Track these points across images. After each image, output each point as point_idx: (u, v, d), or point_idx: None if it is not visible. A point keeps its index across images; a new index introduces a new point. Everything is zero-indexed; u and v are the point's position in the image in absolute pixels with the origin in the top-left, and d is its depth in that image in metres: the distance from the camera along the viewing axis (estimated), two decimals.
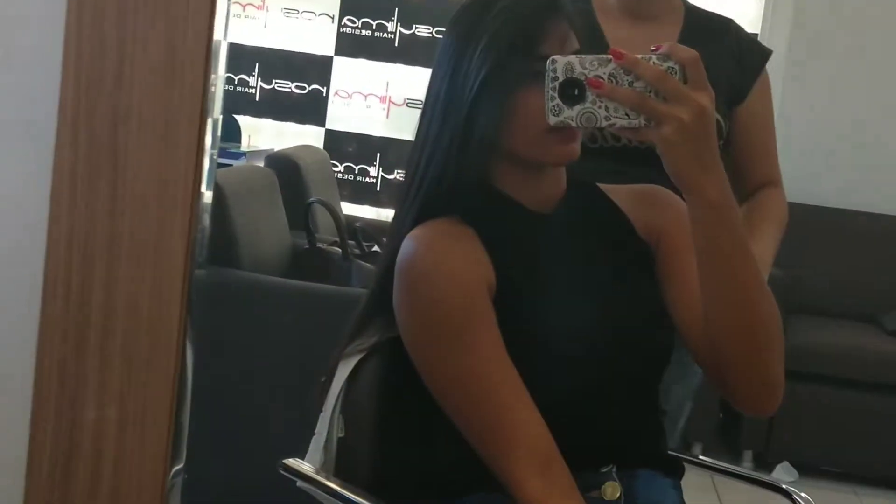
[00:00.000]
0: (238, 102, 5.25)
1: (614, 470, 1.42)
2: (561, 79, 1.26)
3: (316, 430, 1.54)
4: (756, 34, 4.79)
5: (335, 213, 3.81)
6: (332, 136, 5.25)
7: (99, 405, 0.75)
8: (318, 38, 5.18)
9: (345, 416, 1.51)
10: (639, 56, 1.24)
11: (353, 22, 5.18)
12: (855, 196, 4.62)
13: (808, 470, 4.07)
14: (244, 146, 5.11)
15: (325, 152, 5.04)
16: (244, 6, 5.27)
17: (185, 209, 0.73)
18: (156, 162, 0.74)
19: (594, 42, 1.71)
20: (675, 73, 1.23)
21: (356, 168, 5.24)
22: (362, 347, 1.51)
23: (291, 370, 2.60)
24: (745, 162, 2.11)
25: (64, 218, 0.74)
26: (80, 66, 0.71)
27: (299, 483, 1.50)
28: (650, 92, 1.23)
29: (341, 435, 1.51)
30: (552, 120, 1.27)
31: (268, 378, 2.98)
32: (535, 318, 1.40)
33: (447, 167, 1.41)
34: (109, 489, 0.76)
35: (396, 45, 5.18)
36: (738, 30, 2.11)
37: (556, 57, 1.26)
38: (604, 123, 1.26)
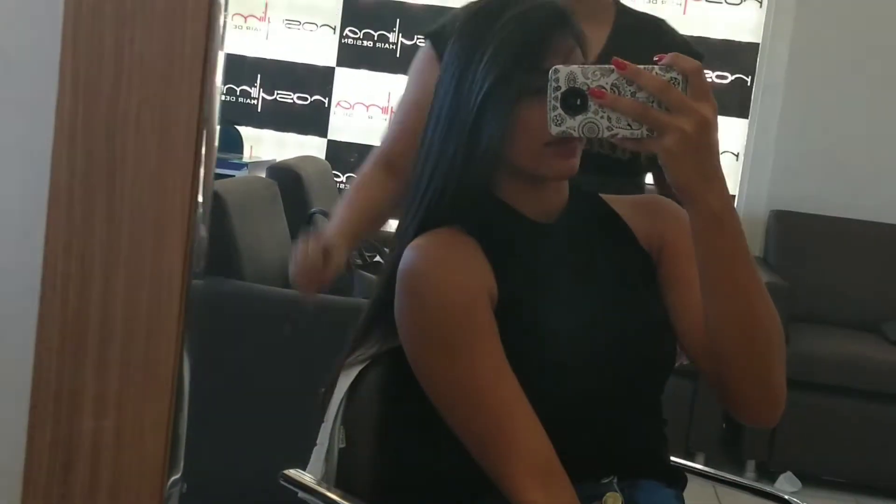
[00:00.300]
0: (240, 113, 5.26)
1: (615, 481, 1.42)
2: (563, 88, 1.26)
3: (317, 441, 1.53)
4: (757, 43, 4.80)
5: None
6: (334, 146, 5.25)
7: (97, 415, 0.75)
8: (319, 48, 5.18)
9: (346, 427, 1.50)
10: (641, 66, 1.24)
11: (355, 33, 5.19)
12: (857, 205, 4.62)
13: (811, 480, 4.06)
14: (246, 157, 5.12)
15: (327, 163, 5.04)
16: (246, 17, 5.28)
17: (183, 218, 0.73)
18: (153, 171, 0.74)
19: None
20: (678, 83, 1.23)
21: None
22: (363, 357, 1.51)
23: (293, 380, 2.59)
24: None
25: (61, 227, 0.74)
26: (77, 76, 0.71)
27: (300, 494, 1.50)
28: (653, 102, 1.23)
29: (343, 445, 1.50)
30: (554, 130, 1.27)
31: (269, 388, 2.97)
32: (537, 329, 1.40)
33: (451, 178, 1.42)
34: (107, 499, 0.76)
35: (398, 55, 5.18)
36: (672, 30, 2.11)
37: (558, 66, 1.26)
38: (606, 134, 1.26)
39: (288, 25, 5.24)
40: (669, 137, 1.22)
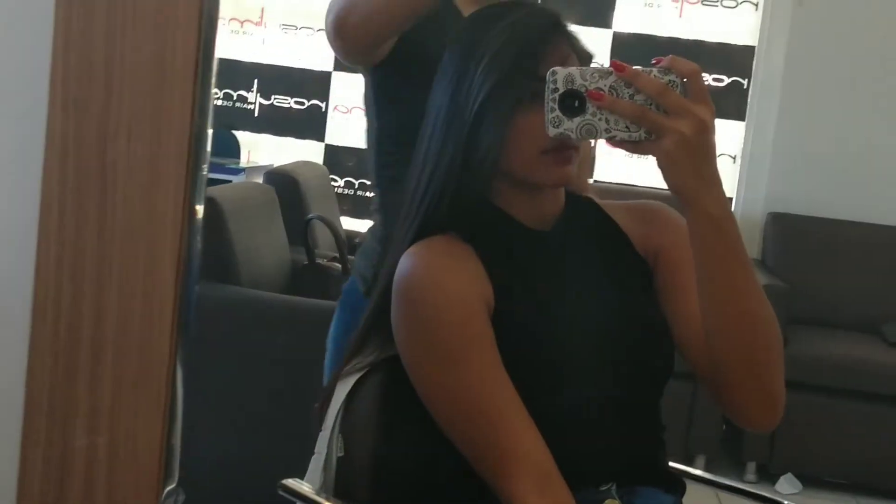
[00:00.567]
0: (237, 118, 5.25)
1: (614, 488, 1.41)
2: (561, 90, 1.25)
3: (315, 450, 1.53)
4: (753, 46, 4.80)
5: (335, 229, 3.81)
6: (331, 150, 5.25)
7: (90, 430, 0.74)
8: (316, 53, 5.18)
9: (344, 436, 1.50)
10: (640, 69, 1.23)
11: None
12: (854, 207, 4.62)
13: (812, 481, 4.06)
14: (243, 162, 5.11)
15: (325, 168, 5.04)
16: (242, 22, 5.27)
17: (175, 231, 0.73)
18: (145, 184, 0.74)
19: (450, 16, 1.75)
20: (676, 86, 1.23)
21: (356, 183, 5.24)
22: (361, 366, 1.50)
23: (291, 387, 2.59)
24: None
25: (53, 240, 0.73)
26: (68, 89, 0.71)
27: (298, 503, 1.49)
28: (651, 105, 1.23)
29: (341, 454, 1.50)
30: (552, 131, 1.26)
31: (267, 395, 2.97)
32: (534, 336, 1.40)
33: (448, 185, 1.41)
34: None
35: None
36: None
37: (556, 68, 1.26)
38: (604, 136, 1.25)
39: (284, 30, 5.24)
40: (668, 140, 1.22)
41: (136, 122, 0.74)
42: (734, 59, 4.81)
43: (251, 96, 5.28)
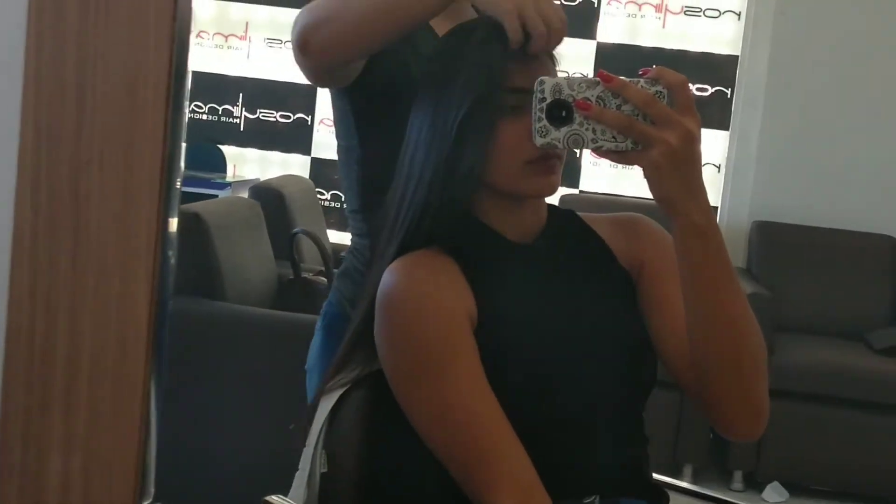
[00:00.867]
0: (222, 132, 5.25)
1: (598, 500, 1.41)
2: (549, 100, 1.26)
3: (299, 466, 1.53)
4: (736, 56, 4.82)
5: (320, 244, 3.81)
6: (318, 164, 5.25)
7: (65, 455, 0.75)
8: None
9: (328, 452, 1.50)
10: (627, 79, 1.24)
11: None
12: (838, 214, 4.63)
13: (798, 489, 4.07)
14: (229, 176, 5.11)
15: (311, 181, 5.04)
16: (227, 37, 5.28)
17: (149, 258, 0.73)
18: (118, 212, 0.74)
19: (423, 34, 1.69)
20: (663, 97, 1.23)
21: (343, 196, 5.24)
22: (344, 381, 1.50)
23: (276, 402, 2.59)
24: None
25: (26, 269, 0.73)
26: (40, 117, 0.71)
27: None
28: (638, 115, 1.23)
29: (324, 470, 1.50)
30: (539, 141, 1.27)
31: (252, 410, 2.97)
32: (517, 349, 1.40)
33: (431, 201, 1.42)
34: None
35: None
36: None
37: (544, 78, 1.26)
38: (591, 146, 1.26)
39: (269, 44, 5.24)
40: (655, 150, 1.23)
41: (108, 149, 0.74)
42: (718, 68, 4.82)
43: (237, 110, 5.28)
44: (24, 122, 0.71)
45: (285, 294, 3.62)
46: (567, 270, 1.50)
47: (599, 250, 1.54)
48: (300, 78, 1.89)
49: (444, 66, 1.44)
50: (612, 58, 4.79)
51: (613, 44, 4.84)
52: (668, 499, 1.52)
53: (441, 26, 1.80)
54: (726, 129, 4.84)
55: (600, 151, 1.26)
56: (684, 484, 1.82)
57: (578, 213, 1.59)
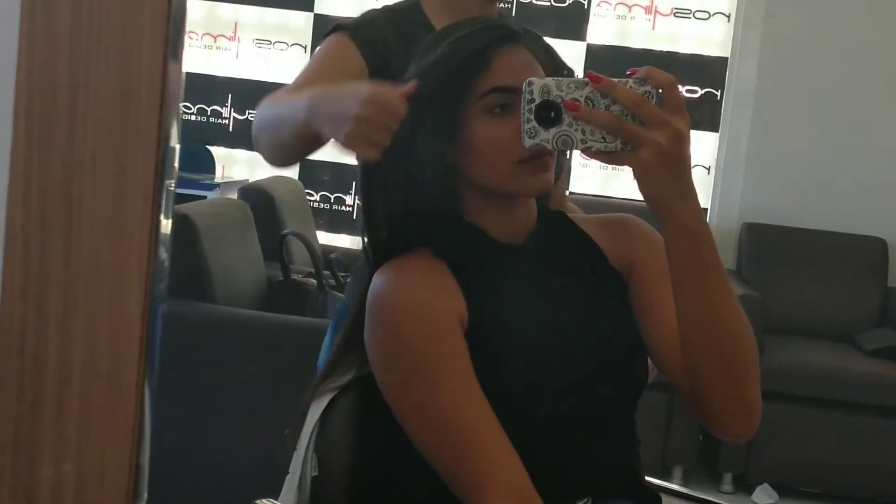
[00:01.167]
0: (211, 133, 5.24)
1: (589, 502, 1.41)
2: (537, 101, 1.25)
3: (290, 469, 1.52)
4: (726, 58, 4.83)
5: (310, 245, 3.80)
6: (306, 165, 5.25)
7: (56, 461, 0.74)
8: (291, 68, 5.18)
9: (319, 455, 1.49)
10: (616, 80, 1.24)
11: None
12: (828, 216, 4.64)
13: (788, 491, 4.07)
14: (218, 177, 5.10)
15: (300, 183, 5.04)
16: (215, 37, 5.27)
17: (142, 261, 0.72)
18: (111, 215, 0.73)
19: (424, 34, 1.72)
20: (652, 97, 1.23)
21: (332, 197, 5.24)
22: (336, 385, 1.50)
23: (266, 404, 2.58)
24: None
25: (18, 271, 0.73)
26: (32, 120, 0.71)
27: None
28: (627, 116, 1.23)
29: (315, 474, 1.49)
30: (528, 142, 1.26)
31: (242, 413, 2.96)
32: (508, 351, 1.40)
33: (405, 200, 1.42)
34: None
35: None
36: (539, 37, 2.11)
37: (532, 79, 1.26)
38: (580, 147, 1.25)
39: (258, 45, 5.23)
40: (644, 151, 1.22)
41: (101, 150, 0.74)
42: (707, 70, 4.83)
43: (225, 111, 5.27)
44: (16, 124, 0.71)
45: (275, 296, 3.62)
46: (558, 271, 1.50)
47: (590, 251, 1.54)
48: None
49: (424, 59, 1.44)
50: (602, 59, 4.80)
51: (603, 45, 4.85)
52: (659, 501, 1.52)
53: (440, 20, 1.82)
54: (716, 130, 4.84)
55: (590, 152, 1.26)
56: (674, 486, 1.82)
57: (569, 214, 1.59)
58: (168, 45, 0.72)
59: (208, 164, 5.04)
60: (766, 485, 4.04)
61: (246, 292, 3.44)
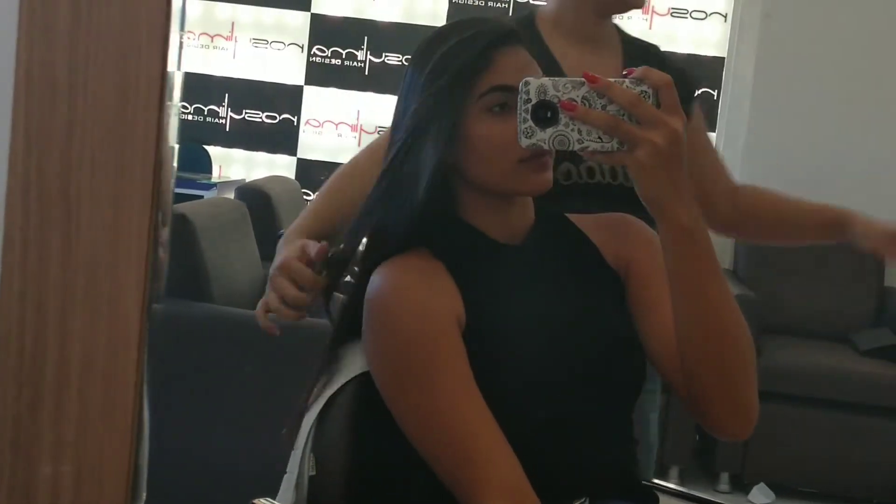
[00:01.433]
0: (208, 133, 5.24)
1: (587, 502, 1.41)
2: (534, 101, 1.25)
3: (287, 469, 1.52)
4: (723, 58, 4.83)
5: None
6: (304, 164, 5.25)
7: (55, 461, 0.74)
8: (287, 67, 5.18)
9: (316, 455, 1.49)
10: (612, 80, 1.24)
11: (323, 51, 5.19)
12: None
13: (785, 491, 4.08)
14: (215, 177, 5.10)
15: (297, 182, 5.04)
16: (213, 37, 5.27)
17: (140, 262, 0.72)
18: (109, 215, 0.73)
19: (548, 68, 1.71)
20: (648, 97, 1.23)
21: None
22: (333, 384, 1.50)
23: (264, 404, 2.58)
24: (708, 175, 2.10)
25: (16, 272, 0.73)
26: (31, 117, 0.70)
27: None
28: (623, 115, 1.23)
29: (312, 473, 1.49)
30: (524, 142, 1.26)
31: (240, 412, 2.96)
32: (506, 351, 1.40)
33: (405, 202, 1.42)
34: None
35: (366, 73, 5.19)
36: (668, 57, 2.12)
37: (529, 79, 1.26)
38: (576, 146, 1.25)
39: (255, 44, 5.23)
40: (641, 150, 1.22)
41: (99, 151, 0.74)
42: (704, 70, 4.84)
43: (222, 111, 5.27)
44: (14, 124, 0.71)
45: None
46: (555, 271, 1.50)
47: (587, 250, 1.54)
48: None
49: (426, 60, 1.44)
50: None
51: None
52: (657, 500, 1.52)
53: (559, 46, 1.83)
54: (713, 130, 4.85)
55: (586, 152, 1.26)
56: (671, 485, 1.82)
57: (566, 214, 1.59)
58: (167, 45, 0.72)
59: (205, 164, 5.04)
60: (762, 484, 4.05)
61: (243, 292, 3.44)
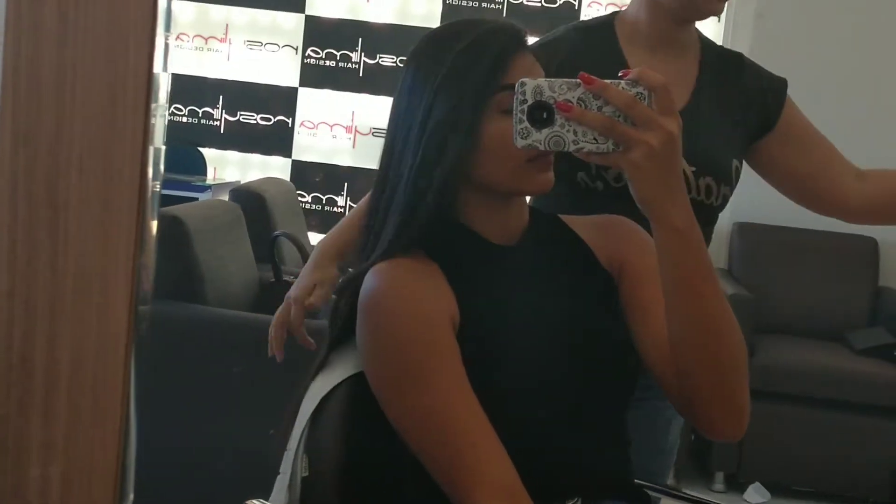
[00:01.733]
0: (203, 135, 5.24)
1: (580, 502, 1.41)
2: (530, 102, 1.25)
3: (280, 470, 1.52)
4: None
5: (301, 246, 3.80)
6: (298, 166, 5.25)
7: (43, 462, 0.74)
8: (282, 69, 5.18)
9: (309, 455, 1.49)
10: (608, 81, 1.24)
11: (317, 53, 5.19)
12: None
13: (780, 490, 4.08)
14: (210, 179, 5.10)
15: (291, 184, 5.04)
16: (207, 39, 5.26)
17: (128, 263, 0.73)
18: (97, 216, 0.74)
19: (616, 71, 1.72)
20: (644, 98, 1.23)
21: (324, 198, 5.24)
22: (326, 384, 1.50)
23: (257, 405, 2.58)
24: (826, 164, 2.10)
25: (4, 273, 0.73)
26: (18, 120, 0.70)
27: None
28: (619, 117, 1.23)
29: (305, 474, 1.49)
30: (520, 143, 1.26)
31: (233, 414, 2.96)
32: (500, 352, 1.40)
33: (411, 202, 1.41)
34: None
35: (361, 74, 5.19)
36: (752, 63, 2.12)
37: (525, 80, 1.26)
38: (572, 148, 1.25)
39: (249, 46, 5.23)
40: (636, 152, 1.23)
41: (87, 154, 0.74)
42: None
43: (217, 113, 5.27)
44: (1, 125, 0.71)
45: (266, 297, 3.61)
46: (549, 273, 1.50)
47: (581, 252, 1.54)
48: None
49: (432, 60, 1.44)
50: None
51: None
52: (649, 501, 1.52)
53: (633, 53, 1.84)
54: None
55: (581, 153, 1.26)
56: (666, 486, 1.83)
57: (560, 216, 1.59)
58: (154, 46, 0.72)
59: (199, 166, 5.03)
60: (757, 483, 4.05)
61: (237, 294, 3.44)
